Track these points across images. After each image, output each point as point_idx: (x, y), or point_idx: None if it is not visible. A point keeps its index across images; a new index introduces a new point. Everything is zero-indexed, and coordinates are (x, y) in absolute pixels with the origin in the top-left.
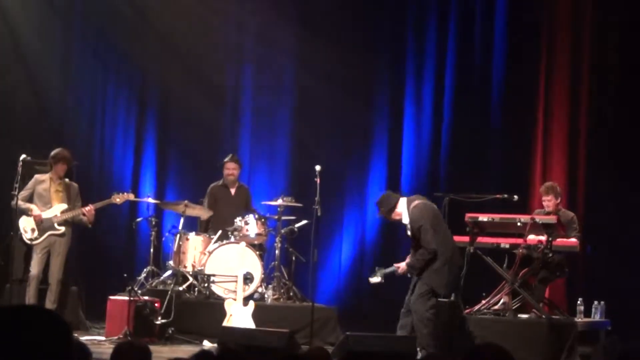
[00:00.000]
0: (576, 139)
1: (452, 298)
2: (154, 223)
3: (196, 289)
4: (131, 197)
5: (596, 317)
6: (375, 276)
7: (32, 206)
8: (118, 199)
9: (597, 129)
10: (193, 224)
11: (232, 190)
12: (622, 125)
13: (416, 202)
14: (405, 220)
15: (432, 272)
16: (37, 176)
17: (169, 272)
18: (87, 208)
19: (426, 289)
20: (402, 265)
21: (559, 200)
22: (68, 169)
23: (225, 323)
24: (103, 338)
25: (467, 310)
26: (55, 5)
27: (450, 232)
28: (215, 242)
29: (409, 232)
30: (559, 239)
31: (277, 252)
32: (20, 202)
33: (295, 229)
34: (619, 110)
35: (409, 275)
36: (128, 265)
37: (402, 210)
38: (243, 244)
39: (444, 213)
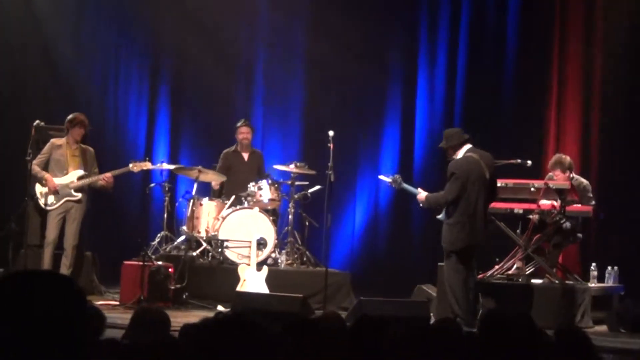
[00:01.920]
0: (590, 104)
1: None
2: (167, 188)
3: (210, 254)
4: (148, 166)
5: (609, 282)
6: (389, 177)
7: (47, 175)
8: (135, 167)
9: (611, 93)
10: (206, 190)
11: (245, 156)
12: (637, 91)
13: (469, 154)
14: None
15: (446, 225)
16: (53, 140)
17: (182, 238)
18: (106, 177)
19: (445, 254)
20: (423, 194)
21: (567, 174)
22: (84, 133)
23: (238, 288)
24: (117, 303)
25: (480, 275)
26: None
27: (483, 201)
28: (229, 207)
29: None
30: (572, 205)
31: (290, 217)
32: (36, 170)
33: (309, 195)
34: (633, 76)
35: (420, 205)
36: (142, 230)
37: (461, 153)
38: (256, 209)
39: None
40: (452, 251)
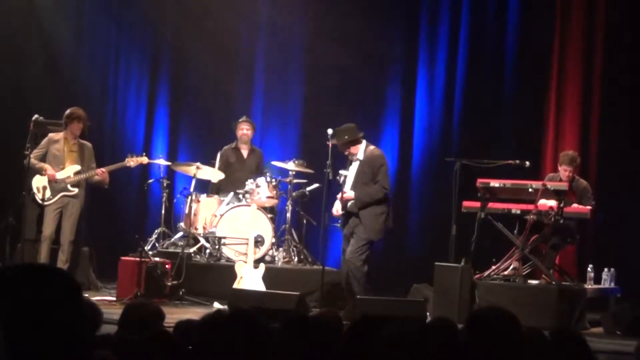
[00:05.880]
0: (589, 105)
1: (463, 263)
2: (165, 185)
3: (207, 251)
4: (145, 160)
5: (606, 284)
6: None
7: (46, 165)
8: (132, 162)
9: (610, 95)
10: (205, 186)
11: (245, 153)
12: (636, 91)
13: (374, 147)
14: (360, 156)
15: (373, 216)
16: (50, 135)
17: (180, 234)
18: (100, 171)
19: (363, 243)
20: (349, 194)
21: (575, 170)
22: (83, 128)
23: (235, 285)
24: (114, 298)
25: (477, 276)
26: None
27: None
28: (227, 204)
29: (345, 171)
30: (570, 206)
31: (288, 215)
32: (33, 161)
33: (307, 192)
34: (633, 77)
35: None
36: (139, 226)
37: (362, 148)
38: (254, 206)
39: (455, 178)
40: (373, 241)
